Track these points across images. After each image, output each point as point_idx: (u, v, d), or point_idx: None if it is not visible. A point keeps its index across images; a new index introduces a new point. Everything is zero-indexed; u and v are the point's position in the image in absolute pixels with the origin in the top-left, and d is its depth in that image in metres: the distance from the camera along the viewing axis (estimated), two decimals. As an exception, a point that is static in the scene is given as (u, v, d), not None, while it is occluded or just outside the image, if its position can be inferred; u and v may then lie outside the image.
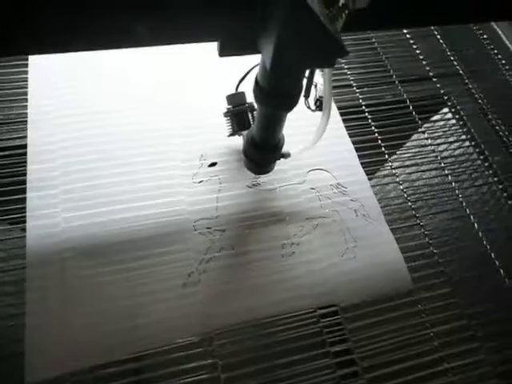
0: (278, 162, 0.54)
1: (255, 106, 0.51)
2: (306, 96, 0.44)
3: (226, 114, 0.53)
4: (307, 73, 0.41)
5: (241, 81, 0.42)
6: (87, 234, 0.51)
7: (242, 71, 0.48)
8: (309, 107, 0.46)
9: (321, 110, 0.45)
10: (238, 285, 0.50)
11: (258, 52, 0.34)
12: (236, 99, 0.51)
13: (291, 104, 0.40)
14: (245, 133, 0.51)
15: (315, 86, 0.43)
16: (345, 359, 0.48)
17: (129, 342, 0.46)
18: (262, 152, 0.50)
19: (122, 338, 0.46)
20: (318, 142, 0.49)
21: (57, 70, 0.62)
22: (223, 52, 0.33)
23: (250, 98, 0.43)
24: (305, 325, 0.49)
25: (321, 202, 0.57)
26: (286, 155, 0.53)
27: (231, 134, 0.53)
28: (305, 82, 0.41)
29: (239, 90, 0.51)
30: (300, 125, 0.56)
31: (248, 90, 0.43)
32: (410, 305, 0.52)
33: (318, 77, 0.42)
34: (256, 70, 0.39)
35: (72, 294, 0.48)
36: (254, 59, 0.39)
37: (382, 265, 0.54)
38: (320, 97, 0.44)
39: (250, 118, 0.52)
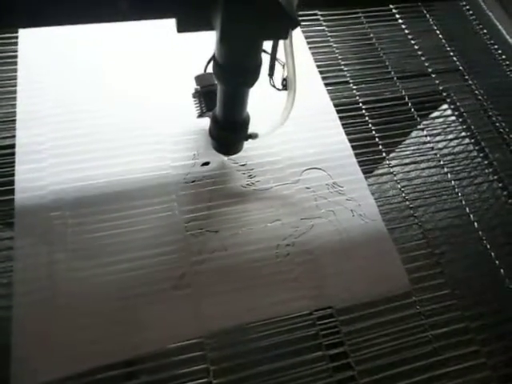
0: (270, 157, 0.54)
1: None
2: (271, 74, 0.43)
3: (194, 95, 0.52)
4: (270, 50, 0.40)
5: (209, 61, 0.42)
6: (77, 237, 0.50)
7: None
8: (274, 86, 0.45)
9: (287, 89, 0.44)
10: (231, 287, 0.49)
11: (213, 29, 0.34)
12: (204, 80, 0.51)
13: (249, 80, 0.40)
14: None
15: (283, 65, 0.42)
16: (341, 363, 0.47)
17: (119, 346, 0.45)
18: (226, 131, 0.49)
19: (112, 343, 0.45)
20: (285, 122, 0.48)
21: (46, 66, 0.61)
22: (180, 28, 0.33)
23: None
24: (300, 328, 0.48)
25: (316, 202, 0.56)
26: (254, 136, 0.52)
27: (200, 115, 0.52)
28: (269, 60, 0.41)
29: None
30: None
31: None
32: (408, 307, 0.51)
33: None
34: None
35: (61, 297, 0.47)
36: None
37: (380, 266, 0.52)
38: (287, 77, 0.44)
39: None
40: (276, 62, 0.42)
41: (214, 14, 0.32)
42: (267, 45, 0.40)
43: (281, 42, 0.39)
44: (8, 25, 0.40)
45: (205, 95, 0.51)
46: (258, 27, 0.32)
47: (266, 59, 0.41)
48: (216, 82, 0.50)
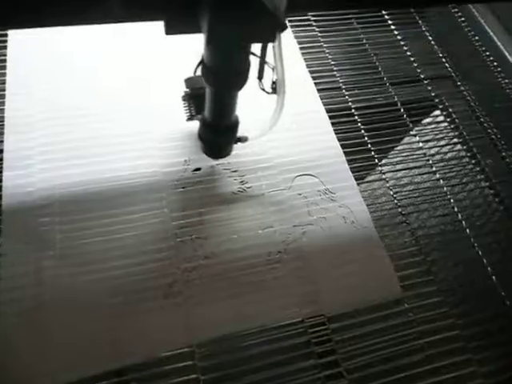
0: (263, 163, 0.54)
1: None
2: (260, 77, 0.43)
3: (183, 98, 0.52)
4: (259, 53, 0.40)
5: (199, 64, 0.42)
6: (66, 243, 0.49)
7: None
8: (263, 89, 0.45)
9: (276, 92, 0.44)
10: (222, 295, 0.49)
11: (201, 31, 0.34)
12: (194, 82, 0.51)
13: (237, 82, 0.40)
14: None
15: (273, 69, 0.42)
16: (333, 372, 0.46)
17: (108, 355, 0.44)
18: (215, 134, 0.49)
19: (102, 352, 0.44)
20: (274, 126, 0.48)
21: (35, 70, 0.60)
22: (169, 31, 0.33)
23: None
24: (292, 336, 0.48)
25: (308, 209, 0.55)
26: (243, 139, 0.52)
27: (189, 119, 0.52)
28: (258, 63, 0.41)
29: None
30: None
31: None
32: (400, 314, 0.50)
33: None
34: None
35: (49, 305, 0.46)
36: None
37: (371, 273, 0.52)
38: (276, 80, 0.44)
39: None
40: (266, 66, 0.42)
41: (202, 16, 0.32)
42: (257, 48, 0.39)
43: (270, 45, 0.39)
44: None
45: (194, 98, 0.51)
46: (245, 30, 0.32)
47: (255, 62, 0.41)
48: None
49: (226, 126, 0.49)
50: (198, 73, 0.44)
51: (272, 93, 0.44)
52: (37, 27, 0.33)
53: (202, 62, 0.40)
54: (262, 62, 0.41)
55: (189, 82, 0.51)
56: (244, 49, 0.37)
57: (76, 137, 0.56)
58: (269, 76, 0.43)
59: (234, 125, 0.49)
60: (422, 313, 0.51)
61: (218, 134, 0.50)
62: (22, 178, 0.52)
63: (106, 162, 0.55)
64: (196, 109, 0.51)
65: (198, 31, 0.34)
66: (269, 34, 0.33)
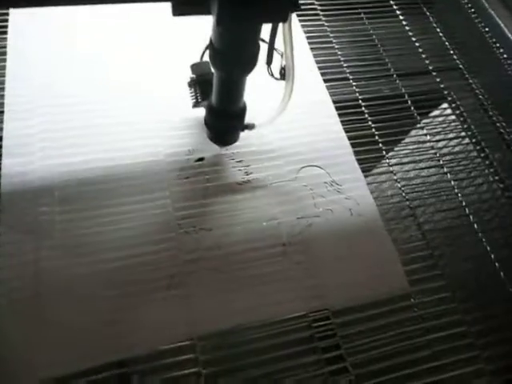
0: (268, 154, 0.53)
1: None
2: (269, 63, 0.42)
3: (189, 84, 0.51)
4: (268, 38, 0.39)
5: (205, 49, 0.41)
6: (66, 233, 0.48)
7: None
8: (272, 75, 0.44)
9: (285, 79, 0.43)
10: (225, 287, 0.48)
11: (210, 12, 0.33)
12: (200, 68, 0.50)
13: (246, 66, 0.39)
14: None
15: (281, 55, 0.40)
16: (338, 367, 0.45)
17: (109, 347, 0.43)
18: (221, 120, 0.49)
19: (102, 344, 0.43)
20: (282, 112, 0.47)
21: (36, 57, 0.59)
22: (176, 12, 0.32)
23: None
24: (295, 330, 0.47)
25: (314, 201, 0.54)
26: (251, 126, 0.51)
27: (195, 105, 0.51)
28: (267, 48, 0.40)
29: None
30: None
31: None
32: (407, 309, 0.49)
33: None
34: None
35: (48, 296, 0.45)
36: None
37: (378, 267, 0.51)
38: (285, 65, 0.42)
39: None
40: (274, 52, 0.40)
41: None
42: (265, 34, 0.38)
43: (279, 32, 0.38)
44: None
45: (200, 84, 0.50)
46: (257, 9, 0.31)
47: (264, 48, 0.40)
48: (212, 71, 0.49)
49: (233, 112, 0.48)
50: (205, 58, 0.43)
51: (280, 79, 0.43)
52: (25, 7, 0.33)
53: (209, 46, 0.38)
54: (271, 47, 0.40)
55: (195, 67, 0.50)
56: (254, 30, 0.36)
57: (77, 125, 0.55)
58: (277, 63, 0.42)
59: (242, 111, 0.48)
60: (428, 308, 0.50)
61: (225, 119, 0.49)
62: (21, 166, 0.51)
63: (107, 150, 0.54)
64: (202, 95, 0.50)
65: (206, 13, 0.32)
66: (281, 14, 0.32)
